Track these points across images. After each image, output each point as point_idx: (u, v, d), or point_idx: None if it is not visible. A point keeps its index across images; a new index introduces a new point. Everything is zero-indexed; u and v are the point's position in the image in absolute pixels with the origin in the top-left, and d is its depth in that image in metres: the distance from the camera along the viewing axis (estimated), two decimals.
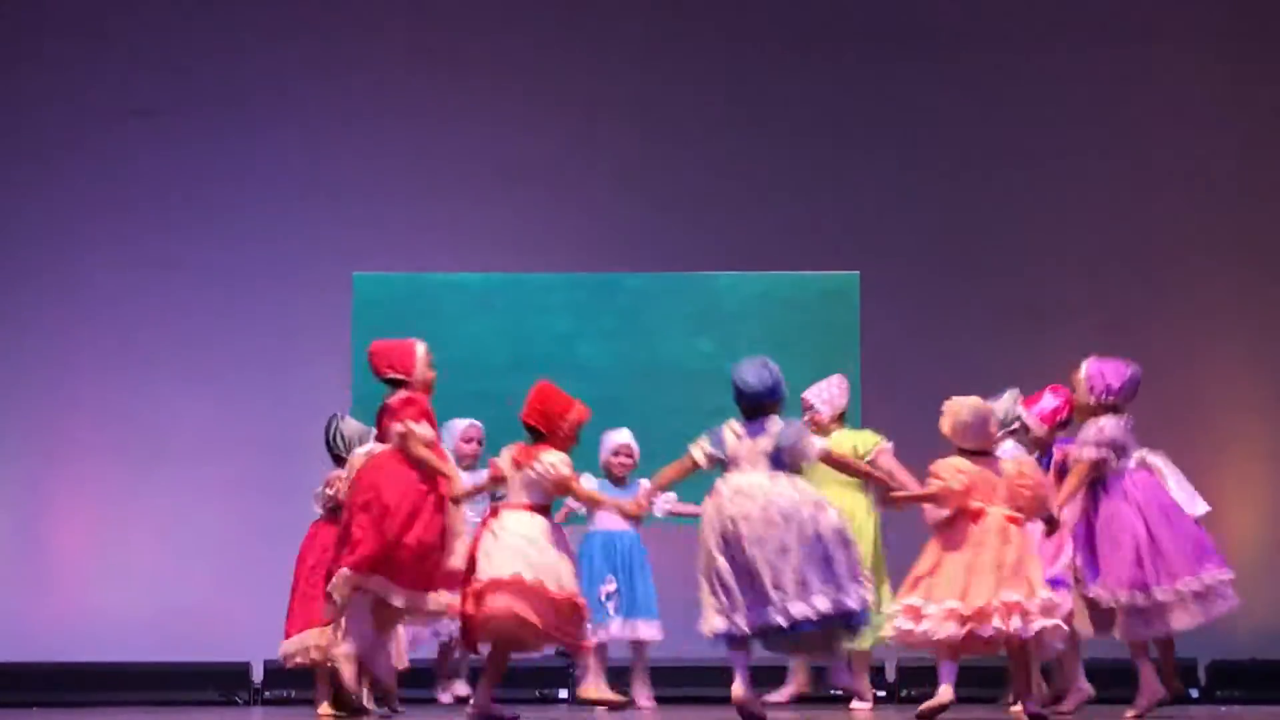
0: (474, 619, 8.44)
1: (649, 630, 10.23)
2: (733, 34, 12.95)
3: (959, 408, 8.61)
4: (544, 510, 8.66)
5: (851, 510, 9.61)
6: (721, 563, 8.21)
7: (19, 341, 12.51)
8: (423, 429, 8.78)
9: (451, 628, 10.00)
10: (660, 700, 10.39)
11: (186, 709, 11.33)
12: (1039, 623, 8.26)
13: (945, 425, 8.60)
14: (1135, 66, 12.98)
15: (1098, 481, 9.03)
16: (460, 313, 11.87)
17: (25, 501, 12.46)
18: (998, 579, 8.28)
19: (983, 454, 8.58)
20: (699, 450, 8.45)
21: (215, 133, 12.66)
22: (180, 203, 12.63)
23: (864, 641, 9.67)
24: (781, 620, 8.10)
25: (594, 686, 9.49)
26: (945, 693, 8.38)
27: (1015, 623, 8.24)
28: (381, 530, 8.58)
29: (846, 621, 8.23)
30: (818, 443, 8.50)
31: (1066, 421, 9.53)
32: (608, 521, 10.29)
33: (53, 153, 12.66)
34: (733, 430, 8.41)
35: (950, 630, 8.26)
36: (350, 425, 9.46)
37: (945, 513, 8.51)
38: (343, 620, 8.71)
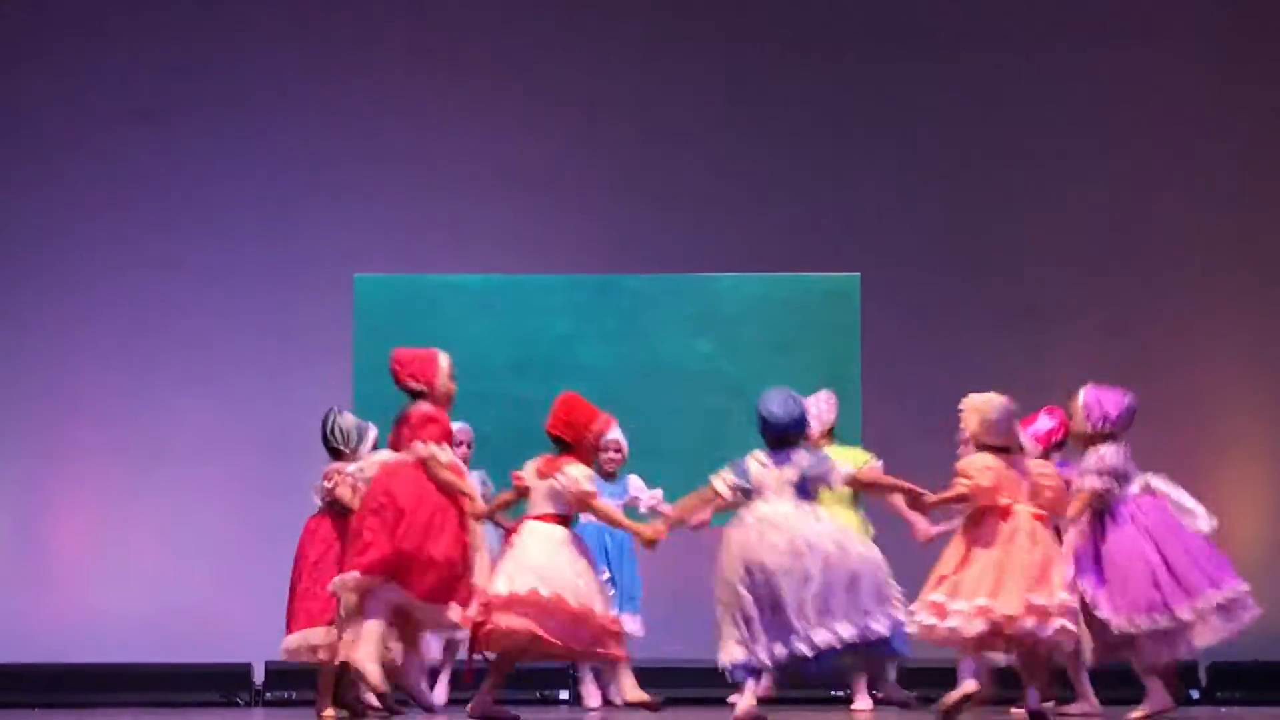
0: (483, 629, 8.45)
1: (631, 625, 10.24)
2: (733, 34, 12.95)
3: (986, 406, 8.65)
4: (567, 521, 8.67)
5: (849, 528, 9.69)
6: (744, 593, 8.24)
7: (19, 342, 12.50)
8: (445, 453, 8.75)
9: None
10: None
11: (187, 710, 11.33)
12: (1057, 623, 8.31)
13: (972, 423, 8.64)
14: (1135, 66, 12.98)
15: (1104, 510, 9.09)
16: (461, 314, 11.85)
17: (26, 502, 12.46)
18: (1027, 580, 8.31)
19: (1007, 451, 8.60)
20: (722, 482, 8.52)
21: (215, 133, 12.66)
22: (180, 203, 12.63)
23: None
24: (805, 649, 8.12)
25: (631, 689, 9.41)
26: (970, 684, 8.45)
27: (1035, 624, 8.28)
28: (393, 535, 8.55)
29: (878, 646, 8.25)
30: (842, 469, 8.51)
31: (1061, 443, 9.58)
32: None
33: (53, 153, 12.65)
34: (758, 460, 8.47)
35: (979, 628, 8.30)
36: (347, 419, 9.43)
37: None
38: (366, 627, 8.63)
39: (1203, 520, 9.13)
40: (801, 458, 8.44)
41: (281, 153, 12.68)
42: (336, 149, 12.65)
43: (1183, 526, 9.12)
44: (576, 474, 8.67)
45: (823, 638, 8.11)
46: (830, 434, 10.34)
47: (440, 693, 10.50)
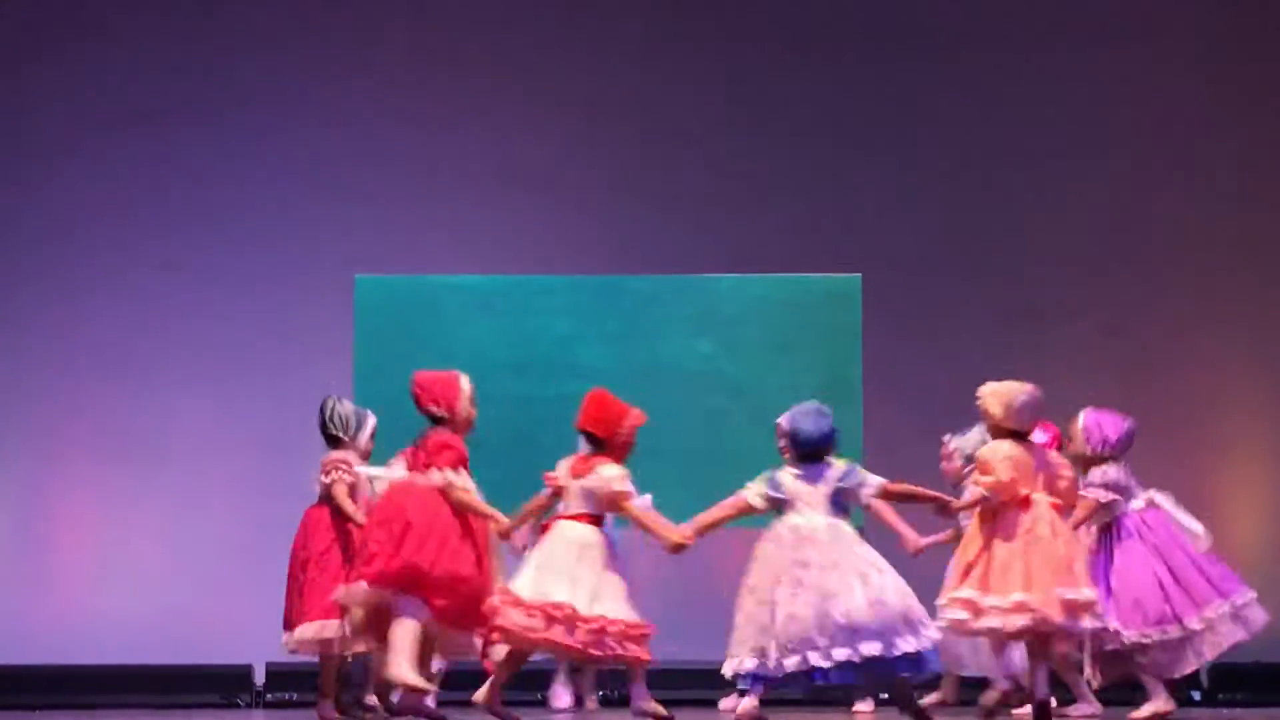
0: (495, 625, 8.45)
1: None
2: (733, 35, 12.95)
3: (1010, 391, 8.68)
4: (600, 521, 8.67)
5: None
6: (770, 603, 8.24)
7: (20, 343, 12.49)
8: (461, 478, 8.68)
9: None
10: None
11: (188, 711, 11.34)
12: (1087, 617, 8.41)
13: (996, 408, 8.67)
14: (1135, 66, 12.98)
15: (1109, 526, 9.18)
16: (461, 315, 11.84)
17: (26, 502, 12.45)
18: (1056, 575, 8.33)
19: (1025, 437, 8.63)
20: (754, 495, 8.54)
21: (216, 134, 12.65)
22: (181, 204, 12.62)
23: None
24: (822, 662, 8.11)
25: (642, 696, 9.34)
26: (1005, 683, 8.50)
27: (1067, 619, 8.32)
28: (399, 546, 8.49)
29: (907, 665, 8.24)
30: (872, 481, 8.51)
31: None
32: None
33: (53, 154, 12.64)
34: (790, 474, 8.50)
35: (1022, 623, 8.33)
36: (346, 406, 9.41)
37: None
38: (397, 633, 8.58)
39: (1201, 540, 9.25)
40: (834, 470, 8.46)
41: (282, 153, 12.67)
42: (337, 150, 12.65)
43: (1186, 540, 9.26)
44: (610, 474, 8.67)
45: (842, 654, 8.11)
46: None
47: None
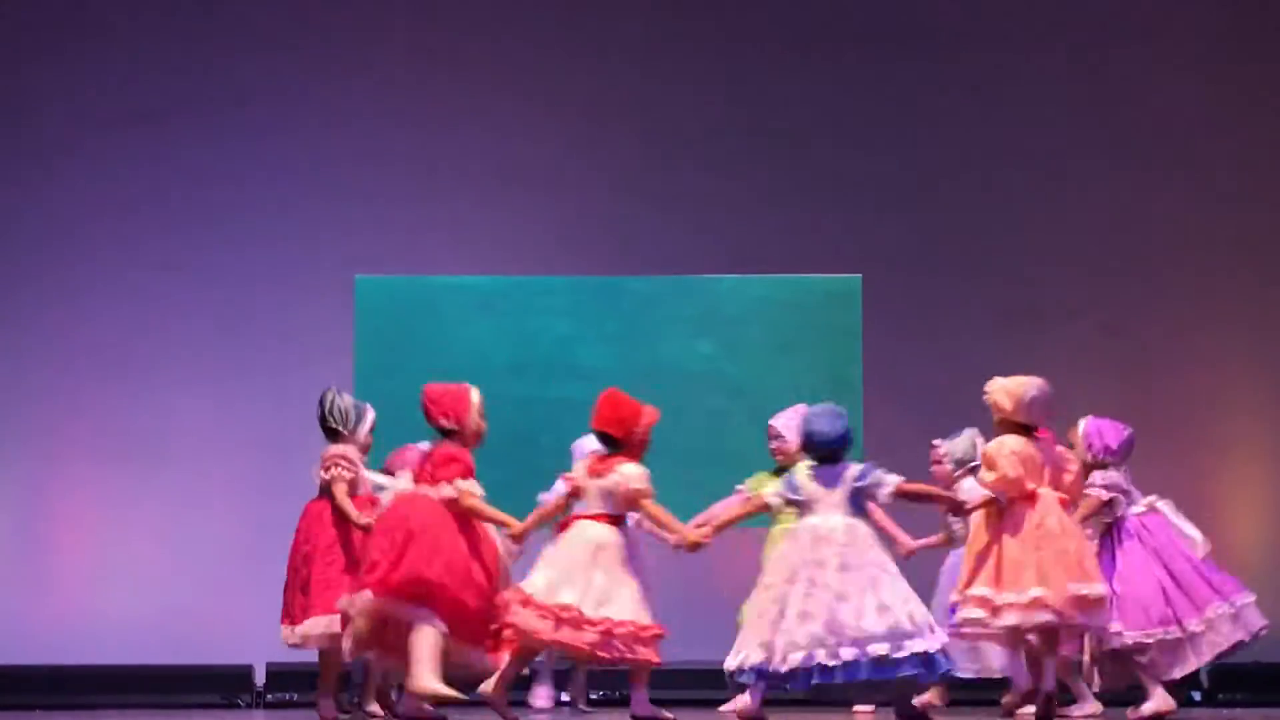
0: (504, 623, 8.45)
1: None
2: (733, 35, 12.94)
3: (1021, 386, 8.74)
4: (620, 520, 8.67)
5: None
6: (783, 599, 8.26)
7: (20, 343, 12.49)
8: (470, 485, 8.65)
9: None
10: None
11: (188, 712, 11.33)
12: (1100, 612, 8.53)
13: (1007, 402, 8.71)
14: (1135, 66, 12.98)
15: (1110, 529, 9.23)
16: (462, 316, 11.85)
17: (26, 503, 12.45)
18: (1068, 571, 8.40)
19: (1032, 431, 8.67)
20: (772, 495, 8.59)
21: (216, 135, 12.64)
22: (181, 205, 12.61)
23: None
24: (829, 660, 8.12)
25: (642, 702, 9.33)
26: (1024, 684, 8.56)
27: (1083, 615, 8.37)
28: (402, 556, 8.44)
29: (915, 665, 8.24)
30: (889, 481, 8.53)
31: None
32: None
33: (53, 154, 12.63)
34: (807, 474, 8.51)
35: (1042, 619, 8.40)
36: (346, 399, 9.34)
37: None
38: (417, 641, 8.55)
39: (1200, 547, 9.33)
40: (850, 471, 8.47)
41: (282, 154, 12.66)
42: (337, 150, 12.64)
43: (1186, 545, 9.35)
44: (631, 473, 8.66)
45: (849, 653, 8.12)
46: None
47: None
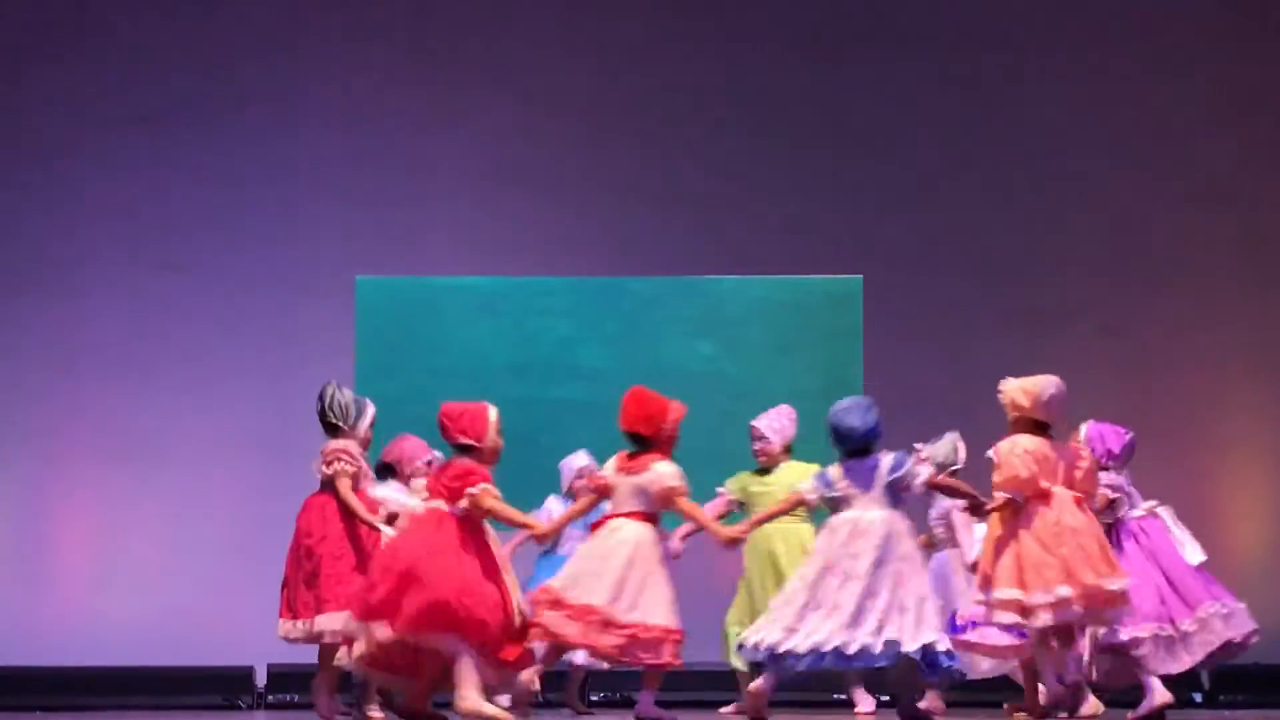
0: (531, 624, 8.43)
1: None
2: (734, 36, 12.94)
3: (1039, 384, 8.76)
4: (655, 519, 8.65)
5: (802, 541, 9.89)
6: (813, 588, 8.28)
7: (21, 344, 12.49)
8: (487, 486, 8.53)
9: None
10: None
11: (189, 713, 11.35)
12: (1125, 605, 8.62)
13: (1025, 400, 8.72)
14: (1135, 66, 12.97)
15: (1110, 530, 9.32)
16: (462, 316, 11.86)
17: (27, 504, 12.45)
18: (1090, 564, 8.46)
19: (1047, 429, 8.71)
20: (808, 490, 8.62)
21: (216, 136, 12.64)
22: (181, 206, 12.61)
23: None
24: (846, 648, 8.13)
25: (647, 704, 9.32)
26: (1057, 688, 8.58)
27: (1111, 610, 8.47)
28: (415, 581, 8.34)
29: (923, 660, 8.27)
30: (922, 472, 8.54)
31: None
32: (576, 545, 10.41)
33: (53, 155, 12.63)
34: (841, 469, 8.53)
35: (1074, 616, 8.46)
36: (346, 394, 9.27)
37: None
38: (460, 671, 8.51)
39: (1194, 554, 9.41)
40: (885, 463, 8.50)
41: (282, 155, 12.66)
42: (338, 151, 12.63)
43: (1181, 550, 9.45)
44: (665, 470, 8.66)
45: (867, 640, 8.14)
46: (788, 450, 10.33)
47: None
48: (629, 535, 8.61)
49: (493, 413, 8.72)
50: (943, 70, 12.92)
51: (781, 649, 8.28)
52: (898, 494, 8.50)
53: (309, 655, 9.34)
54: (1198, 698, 11.73)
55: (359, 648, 8.52)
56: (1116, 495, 9.33)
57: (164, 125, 12.67)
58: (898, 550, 8.35)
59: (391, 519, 9.12)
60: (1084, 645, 9.24)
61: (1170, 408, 12.32)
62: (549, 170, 12.66)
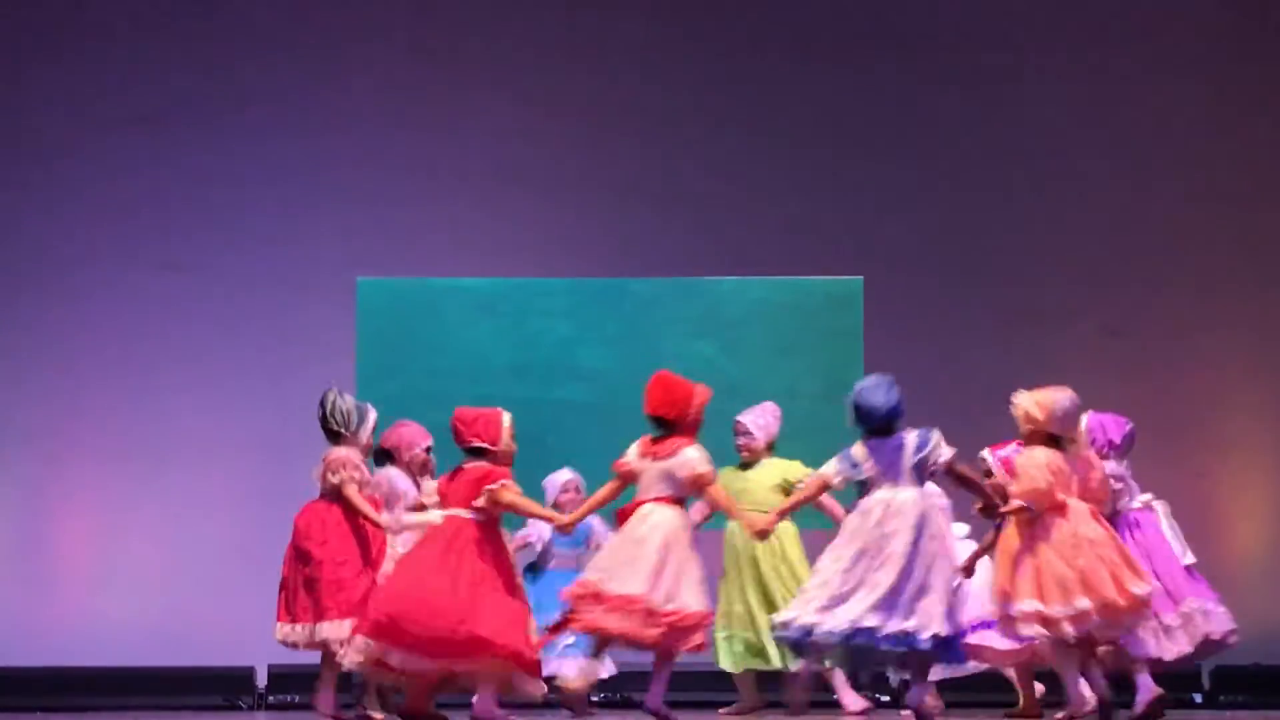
0: (576, 617, 8.45)
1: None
2: (734, 37, 12.93)
3: (1053, 397, 8.76)
4: (683, 503, 8.63)
5: (782, 540, 9.97)
6: (850, 571, 8.26)
7: (21, 345, 12.49)
8: (504, 482, 8.57)
9: None
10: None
11: (190, 713, 11.35)
12: (1148, 611, 8.66)
13: (1040, 414, 8.72)
14: (1135, 66, 12.97)
15: (1110, 520, 9.27)
16: (462, 317, 11.86)
17: (28, 505, 12.45)
18: (1111, 573, 8.47)
19: (1060, 442, 8.72)
20: (834, 472, 8.53)
21: (216, 137, 12.64)
22: (182, 208, 12.61)
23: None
24: (880, 630, 8.11)
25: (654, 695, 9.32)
26: (1088, 696, 8.58)
27: (1135, 616, 8.48)
28: (437, 614, 8.40)
29: (940, 646, 8.28)
30: (945, 452, 8.52)
31: None
32: (561, 562, 10.41)
33: (53, 155, 12.63)
34: (865, 449, 8.48)
35: (1095, 624, 8.47)
36: (348, 401, 9.28)
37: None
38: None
39: (1183, 556, 9.42)
40: (910, 440, 8.47)
41: (283, 156, 12.65)
42: (338, 152, 12.63)
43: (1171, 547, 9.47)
44: (695, 455, 8.62)
45: (895, 625, 8.13)
46: (771, 448, 10.33)
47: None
48: (660, 520, 8.56)
49: (507, 418, 8.76)
50: (943, 70, 12.92)
51: (817, 629, 8.25)
52: (924, 473, 8.46)
53: (310, 656, 9.35)
54: (1198, 698, 11.74)
55: (360, 649, 8.56)
56: (1119, 485, 9.35)
57: (164, 125, 12.67)
58: (931, 529, 8.33)
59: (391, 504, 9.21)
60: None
61: (1170, 408, 12.31)
62: (549, 171, 12.66)
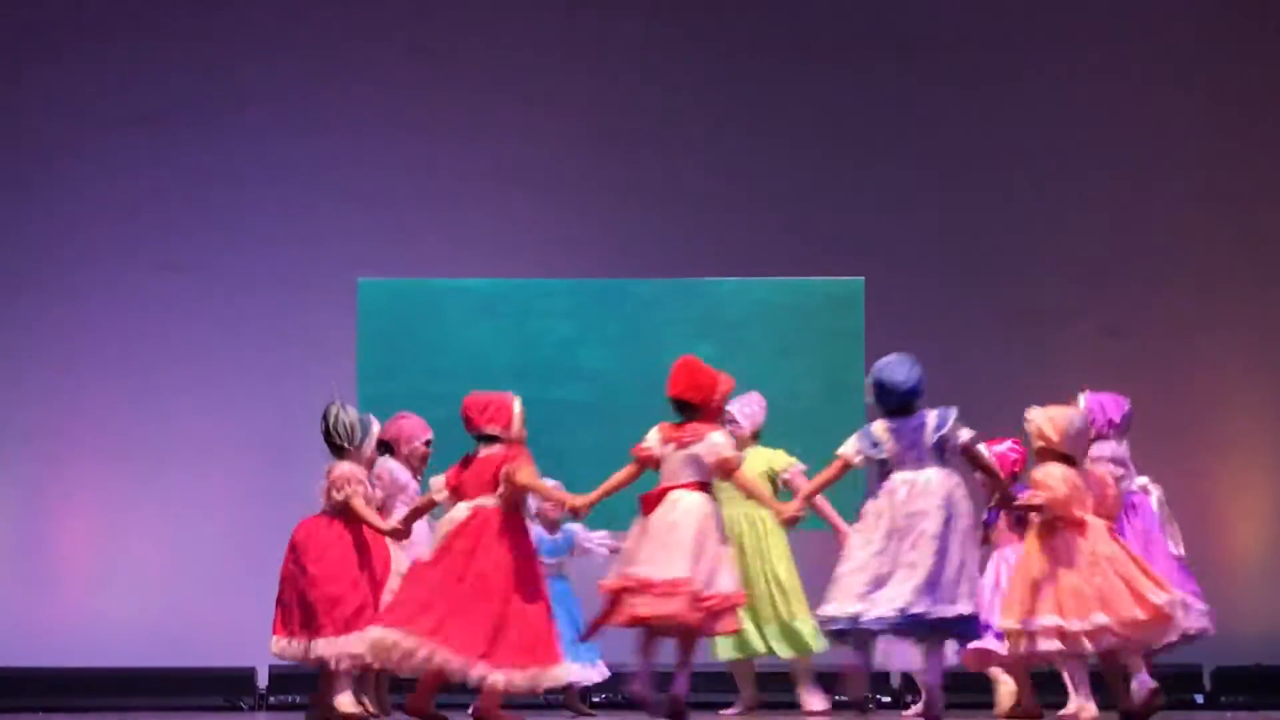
0: (620, 609, 8.38)
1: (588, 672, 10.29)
2: (734, 37, 12.94)
3: (1066, 417, 8.75)
4: (709, 489, 8.52)
5: (769, 529, 10.03)
6: (885, 555, 8.20)
7: (21, 345, 12.50)
8: (519, 462, 8.53)
9: None
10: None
11: (190, 714, 11.36)
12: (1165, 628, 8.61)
13: (1053, 433, 8.69)
14: (1135, 66, 12.98)
15: None
16: (463, 318, 11.85)
17: (28, 505, 12.46)
18: (1130, 587, 8.46)
19: (1073, 460, 8.71)
20: (854, 452, 8.41)
21: (217, 137, 12.65)
22: (183, 208, 12.62)
23: (814, 646, 9.96)
24: (927, 615, 8.07)
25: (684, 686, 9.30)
26: (1092, 709, 8.57)
27: (1159, 627, 8.50)
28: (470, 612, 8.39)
29: (960, 625, 8.26)
30: (964, 434, 8.43)
31: (1016, 476, 9.61)
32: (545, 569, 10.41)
33: (53, 156, 12.64)
34: (886, 428, 8.40)
35: (1114, 638, 8.44)
36: (350, 414, 9.19)
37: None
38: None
39: (1175, 545, 9.45)
40: (930, 419, 8.38)
41: (284, 156, 12.66)
42: (339, 153, 12.64)
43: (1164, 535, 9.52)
44: (720, 440, 8.51)
45: (921, 606, 8.08)
46: (756, 436, 10.32)
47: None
48: (691, 505, 8.42)
49: (517, 404, 8.72)
50: (943, 70, 12.92)
51: (863, 616, 8.20)
52: (944, 452, 8.36)
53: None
54: (1199, 698, 11.74)
55: (360, 649, 8.57)
56: (1121, 473, 9.36)
57: (164, 125, 12.68)
58: (962, 506, 8.25)
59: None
60: None
61: (1170, 408, 12.30)
62: (549, 171, 12.66)
